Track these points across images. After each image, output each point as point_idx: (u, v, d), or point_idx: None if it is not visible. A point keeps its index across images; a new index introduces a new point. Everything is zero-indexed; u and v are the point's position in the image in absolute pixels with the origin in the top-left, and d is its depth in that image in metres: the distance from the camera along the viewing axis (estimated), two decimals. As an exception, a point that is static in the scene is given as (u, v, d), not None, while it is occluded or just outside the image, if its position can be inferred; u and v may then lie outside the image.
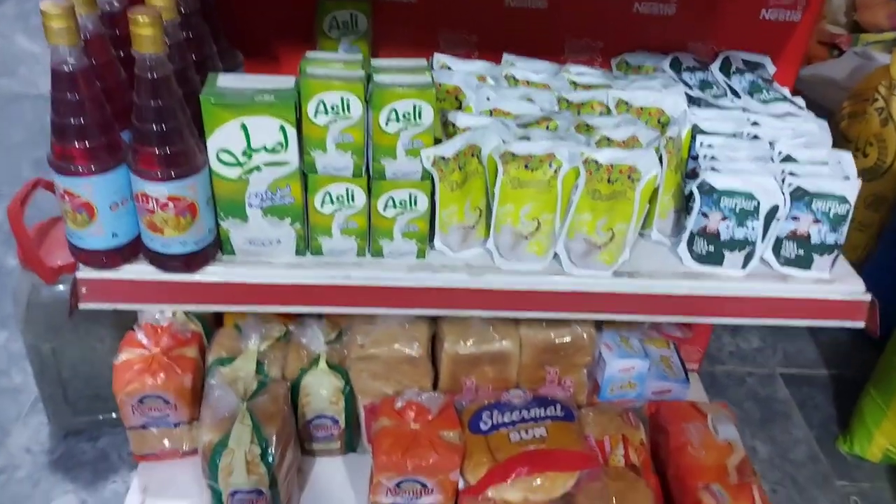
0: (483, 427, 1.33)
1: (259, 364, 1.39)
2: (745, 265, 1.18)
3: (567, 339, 1.41)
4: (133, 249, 1.08)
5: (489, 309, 1.17)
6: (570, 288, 1.15)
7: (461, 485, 1.30)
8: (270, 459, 1.28)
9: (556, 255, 1.17)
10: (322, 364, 1.42)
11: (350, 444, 1.51)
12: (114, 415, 1.71)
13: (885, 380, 1.87)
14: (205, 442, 1.28)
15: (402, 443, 1.27)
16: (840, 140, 2.50)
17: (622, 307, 1.17)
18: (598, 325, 1.53)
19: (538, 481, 1.24)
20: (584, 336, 1.42)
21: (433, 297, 1.15)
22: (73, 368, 1.66)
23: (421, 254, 1.16)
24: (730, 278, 1.17)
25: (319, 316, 1.48)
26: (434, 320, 1.44)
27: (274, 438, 1.29)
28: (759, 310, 1.17)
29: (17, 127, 2.86)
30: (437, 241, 1.16)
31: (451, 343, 1.38)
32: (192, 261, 1.08)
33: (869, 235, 2.47)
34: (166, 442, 1.46)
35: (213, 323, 1.55)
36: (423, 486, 1.28)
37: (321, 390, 1.41)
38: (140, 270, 1.10)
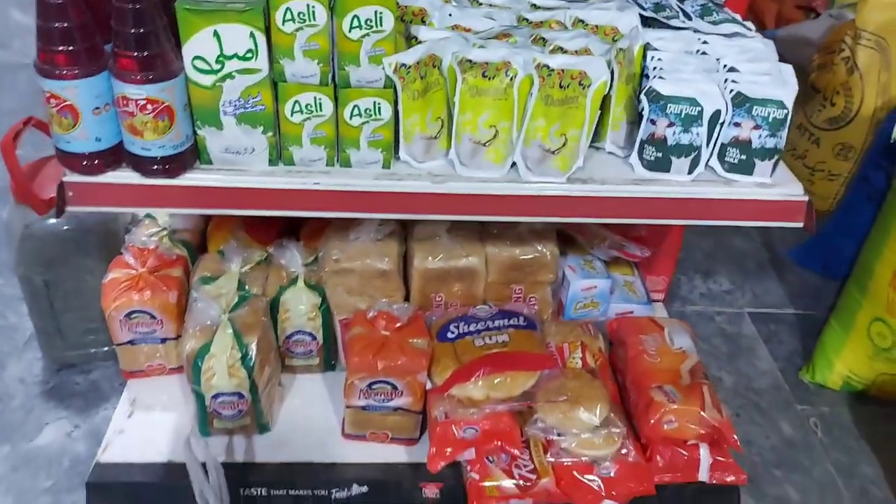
0: (450, 336, 1.41)
1: (240, 283, 1.47)
2: (691, 170, 1.26)
3: (530, 256, 1.49)
4: (116, 155, 1.16)
5: (452, 213, 1.24)
6: (527, 192, 1.23)
7: (428, 386, 1.38)
8: (250, 364, 1.36)
9: (513, 165, 1.24)
10: (300, 283, 1.50)
11: (328, 361, 1.59)
12: (106, 349, 1.78)
13: (844, 311, 1.96)
14: (188, 349, 1.36)
15: (374, 347, 1.35)
16: (809, 91, 2.58)
17: (576, 210, 1.25)
18: (563, 249, 1.60)
19: (499, 380, 1.32)
20: (547, 254, 1.50)
21: (398, 202, 1.22)
22: (65, 300, 1.73)
23: (387, 164, 1.24)
24: (677, 183, 1.25)
25: (297, 239, 1.56)
26: (404, 239, 1.51)
27: (254, 346, 1.37)
28: (704, 211, 1.25)
29: (11, 95, 2.94)
30: (401, 152, 1.24)
31: (421, 259, 1.46)
32: (172, 165, 1.16)
33: (839, 184, 2.55)
34: (155, 358, 1.53)
35: (198, 249, 1.63)
36: (394, 387, 1.36)
37: (299, 306, 1.49)
38: (123, 176, 1.17)
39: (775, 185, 1.27)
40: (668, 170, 1.26)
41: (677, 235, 1.80)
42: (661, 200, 1.24)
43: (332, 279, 1.44)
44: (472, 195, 1.22)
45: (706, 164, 1.27)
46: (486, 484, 1.32)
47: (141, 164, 1.16)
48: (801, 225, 1.26)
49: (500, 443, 1.33)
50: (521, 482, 1.32)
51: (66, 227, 1.68)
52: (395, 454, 1.45)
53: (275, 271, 1.53)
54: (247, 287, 1.47)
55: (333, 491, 1.40)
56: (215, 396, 1.37)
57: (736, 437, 1.38)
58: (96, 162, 1.15)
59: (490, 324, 1.42)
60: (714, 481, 1.39)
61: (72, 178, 1.16)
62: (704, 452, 1.39)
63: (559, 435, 1.33)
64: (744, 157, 1.26)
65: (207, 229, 1.66)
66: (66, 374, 1.83)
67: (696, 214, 1.25)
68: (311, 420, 1.50)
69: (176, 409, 1.49)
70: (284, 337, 1.53)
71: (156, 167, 1.16)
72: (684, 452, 1.38)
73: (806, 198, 1.25)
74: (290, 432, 1.48)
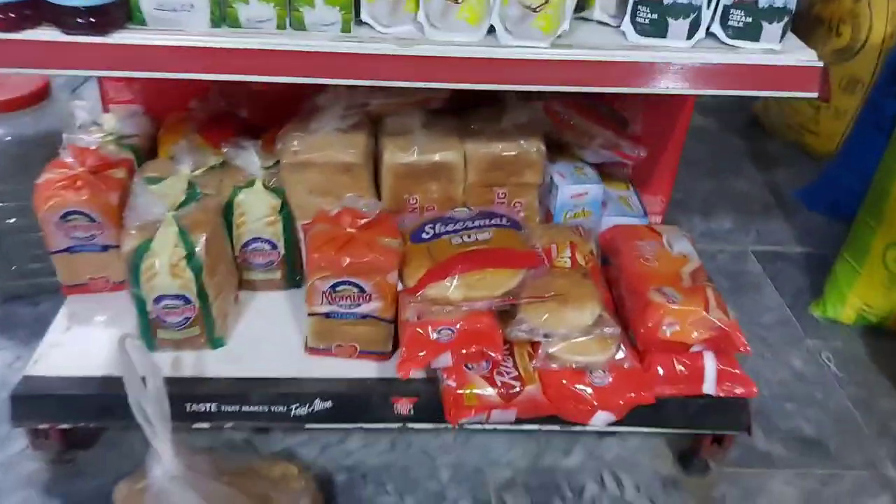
0: (424, 236, 1.27)
1: (191, 185, 1.32)
2: (690, 35, 1.11)
3: (514, 152, 1.34)
4: (35, 9, 1.01)
5: (421, 80, 1.09)
6: (505, 55, 1.08)
7: (400, 288, 1.23)
8: (197, 264, 1.21)
9: (491, 30, 1.09)
10: (258, 184, 1.35)
11: (292, 276, 1.44)
12: (55, 278, 1.63)
13: (857, 240, 1.82)
14: (127, 248, 1.21)
15: (337, 243, 1.20)
16: (812, 21, 2.44)
17: (561, 76, 1.09)
18: (551, 157, 1.45)
19: (478, 278, 1.18)
20: (533, 151, 1.35)
21: (361, 66, 1.08)
22: (8, 224, 1.59)
23: (346, 26, 1.09)
24: (676, 49, 1.11)
25: (257, 138, 1.41)
26: (374, 135, 1.36)
27: (202, 243, 1.22)
28: (707, 79, 1.11)
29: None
30: (363, 12, 1.09)
31: (391, 153, 1.31)
32: (97, 18, 1.01)
33: (845, 122, 2.41)
34: (97, 270, 1.38)
35: (147, 155, 1.48)
36: (360, 289, 1.22)
37: (256, 209, 1.34)
38: (49, 34, 1.02)
39: (785, 52, 1.13)
40: (664, 34, 1.11)
41: (676, 143, 1.65)
42: (658, 66, 1.09)
43: (292, 175, 1.29)
44: (444, 58, 1.07)
45: (707, 30, 1.13)
46: (464, 391, 1.17)
47: (62, 17, 1.01)
48: (815, 95, 1.12)
49: (479, 347, 1.18)
50: (503, 390, 1.17)
51: (7, 138, 1.54)
52: (364, 370, 1.30)
53: (230, 175, 1.38)
54: (198, 189, 1.32)
55: (293, 407, 1.25)
56: (157, 300, 1.22)
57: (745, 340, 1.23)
58: (10, 15, 1.01)
59: (469, 223, 1.27)
60: (721, 393, 1.24)
61: (-17, 32, 1.01)
62: (710, 361, 1.24)
63: (545, 336, 1.17)
64: (749, 19, 1.11)
65: (158, 134, 1.51)
66: (12, 304, 1.69)
67: (698, 82, 1.10)
68: (272, 336, 1.35)
69: (119, 325, 1.33)
70: (241, 246, 1.38)
71: (80, 20, 1.01)
72: (687, 361, 1.23)
73: (821, 63, 1.11)
74: (246, 348, 1.33)
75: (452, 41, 1.08)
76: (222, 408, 1.24)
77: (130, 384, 1.10)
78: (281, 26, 1.08)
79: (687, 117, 1.63)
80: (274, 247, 1.38)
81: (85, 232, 1.33)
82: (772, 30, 1.11)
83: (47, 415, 1.23)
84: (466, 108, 1.42)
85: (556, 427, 1.28)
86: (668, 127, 1.62)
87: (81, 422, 1.25)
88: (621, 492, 1.38)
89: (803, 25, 2.44)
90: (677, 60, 1.10)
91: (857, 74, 2.35)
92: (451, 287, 1.18)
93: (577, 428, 1.28)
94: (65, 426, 1.26)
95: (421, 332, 1.17)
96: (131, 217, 1.23)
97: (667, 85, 1.11)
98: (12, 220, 1.59)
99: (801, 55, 1.12)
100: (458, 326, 1.17)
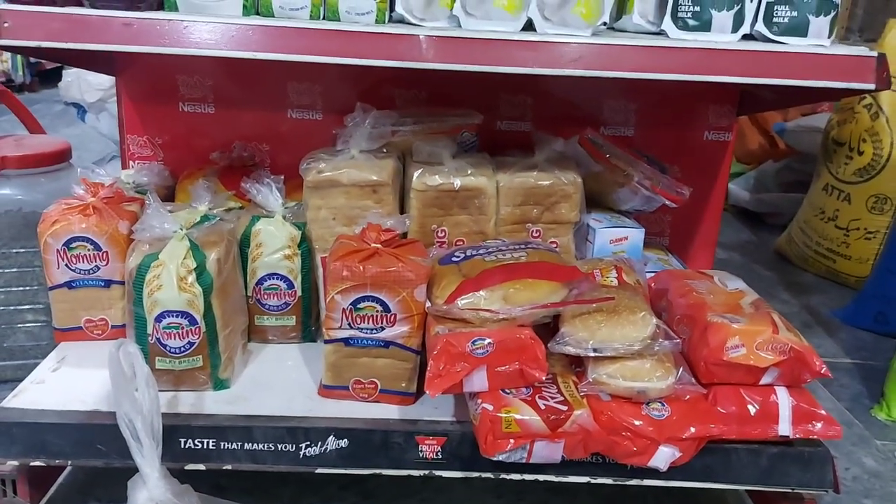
0: (455, 259, 1.16)
1: (208, 214, 1.23)
2: (735, 29, 1.08)
3: (548, 182, 1.26)
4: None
5: (457, 62, 1.04)
6: (546, 39, 1.04)
7: (428, 305, 1.10)
8: (207, 280, 1.10)
9: (530, 22, 1.07)
10: (278, 216, 1.27)
11: (307, 325, 1.31)
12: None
13: (916, 333, 1.68)
14: (133, 262, 1.11)
15: (361, 255, 1.09)
16: (831, 148, 2.45)
17: (602, 62, 1.04)
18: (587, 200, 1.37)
19: (515, 289, 1.05)
20: (568, 182, 1.27)
21: (393, 46, 1.03)
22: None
23: (380, 17, 1.07)
24: (722, 43, 1.07)
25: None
26: (403, 161, 1.29)
27: (214, 259, 1.12)
28: (756, 67, 1.05)
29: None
30: (398, 5, 1.07)
31: (419, 176, 1.23)
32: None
33: (878, 242, 2.34)
34: (95, 310, 1.26)
35: (165, 201, 1.40)
36: (385, 308, 1.09)
37: (275, 238, 1.24)
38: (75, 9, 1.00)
39: (834, 46, 1.09)
40: (708, 29, 1.08)
41: (715, 213, 1.57)
42: (704, 52, 1.05)
43: (315, 198, 1.20)
44: (481, 40, 1.03)
45: (752, 28, 1.10)
46: (503, 415, 1.00)
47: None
48: (871, 86, 1.06)
49: (518, 364, 1.03)
50: (548, 414, 1.00)
51: (17, 196, 1.48)
52: (384, 413, 1.13)
53: (248, 214, 1.30)
54: (215, 214, 1.23)
55: (303, 445, 1.07)
56: (160, 318, 1.09)
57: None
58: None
59: (503, 247, 1.17)
60: (799, 434, 1.07)
61: (8, 5, 0.99)
62: (784, 396, 1.08)
63: (595, 352, 1.02)
64: (794, 13, 1.08)
65: (177, 184, 1.45)
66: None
67: (746, 70, 1.05)
68: (282, 381, 1.21)
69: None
70: (255, 283, 1.27)
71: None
72: (757, 396, 1.07)
73: (875, 53, 1.06)
74: (253, 391, 1.17)
75: (489, 31, 1.05)
76: (222, 444, 1.07)
77: (120, 395, 0.96)
78: (315, 15, 1.06)
79: (724, 181, 1.57)
80: (290, 286, 1.27)
81: (88, 263, 1.23)
82: (819, 23, 1.08)
83: (18, 448, 1.06)
84: (495, 153, 1.37)
85: (608, 480, 1.09)
86: (706, 186, 1.56)
87: (55, 458, 1.08)
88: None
89: (822, 153, 2.46)
90: (724, 47, 1.05)
91: (884, 192, 2.31)
92: (487, 299, 1.05)
93: (634, 482, 1.10)
94: (36, 463, 1.08)
95: (453, 343, 1.02)
96: (141, 232, 1.13)
97: (715, 72, 1.05)
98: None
99: (853, 49, 1.08)
100: (495, 337, 1.03)
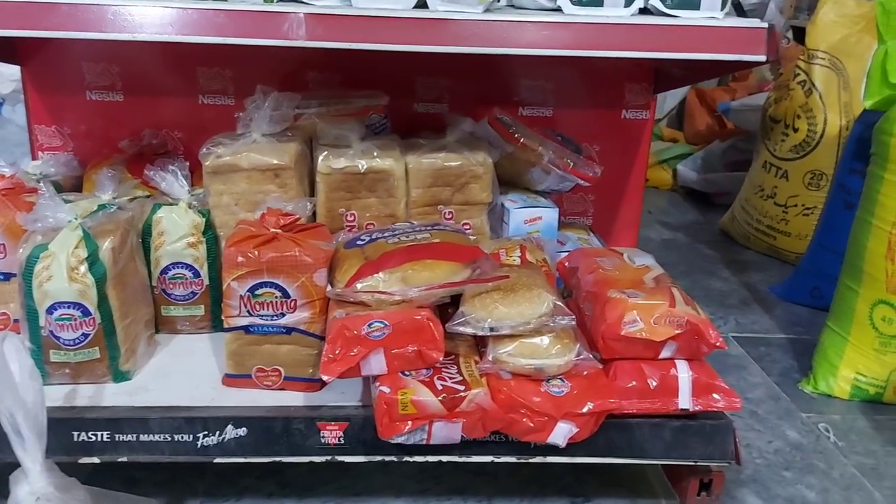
0: (360, 243, 1.14)
1: (106, 203, 1.20)
2: (628, 3, 1.07)
3: (457, 163, 1.25)
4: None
5: (344, 41, 1.03)
6: (436, 16, 1.03)
7: (329, 289, 1.08)
8: (100, 270, 1.08)
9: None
10: (182, 203, 1.24)
11: (217, 314, 1.29)
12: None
13: (840, 306, 1.70)
14: (23, 254, 1.08)
15: (259, 240, 1.07)
16: (768, 123, 2.46)
17: (494, 39, 1.03)
18: (500, 188, 1.37)
19: (415, 270, 1.04)
20: (478, 162, 1.26)
21: (282, 25, 1.01)
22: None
23: (269, -2, 1.04)
24: (615, 17, 1.06)
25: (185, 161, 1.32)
26: (309, 145, 1.27)
27: (108, 248, 1.09)
28: (649, 42, 1.05)
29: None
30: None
31: (325, 159, 1.21)
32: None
33: (815, 218, 2.36)
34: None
35: (71, 192, 1.38)
36: (284, 293, 1.07)
37: (177, 227, 1.22)
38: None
39: (727, 20, 1.08)
40: (601, 3, 1.07)
41: (636, 192, 1.57)
42: (597, 26, 1.04)
43: (216, 183, 1.18)
44: (369, 17, 1.02)
45: (647, 2, 1.09)
46: (399, 397, 0.99)
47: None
48: (763, 58, 1.05)
49: (417, 346, 1.02)
50: (445, 395, 0.99)
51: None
52: (288, 400, 1.12)
53: (153, 202, 1.27)
54: (112, 204, 1.20)
55: (200, 435, 1.05)
56: (51, 310, 1.07)
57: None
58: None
59: (409, 229, 1.16)
60: (699, 406, 1.07)
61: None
62: (683, 370, 1.08)
63: (492, 331, 1.02)
64: (687, -14, 1.08)
65: (84, 173, 1.42)
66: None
67: (638, 45, 1.04)
68: (187, 371, 1.19)
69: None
70: (159, 272, 1.24)
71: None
72: (656, 369, 1.07)
73: (765, 25, 1.06)
74: (153, 381, 1.16)
75: (380, 7, 1.03)
76: (116, 437, 1.05)
77: (2, 389, 0.93)
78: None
79: (644, 160, 1.57)
80: (196, 274, 1.25)
81: (-16, 256, 1.20)
82: (712, -3, 1.08)
83: None
84: (409, 135, 1.36)
85: (511, 458, 1.09)
86: (626, 165, 1.56)
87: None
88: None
89: (760, 129, 2.47)
90: (617, 21, 1.05)
91: (820, 168, 2.33)
92: (386, 280, 1.04)
93: (537, 459, 1.09)
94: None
95: (349, 327, 1.01)
96: (32, 221, 1.11)
97: (609, 47, 1.05)
98: None
99: (746, 21, 1.07)
100: (392, 319, 1.02)
